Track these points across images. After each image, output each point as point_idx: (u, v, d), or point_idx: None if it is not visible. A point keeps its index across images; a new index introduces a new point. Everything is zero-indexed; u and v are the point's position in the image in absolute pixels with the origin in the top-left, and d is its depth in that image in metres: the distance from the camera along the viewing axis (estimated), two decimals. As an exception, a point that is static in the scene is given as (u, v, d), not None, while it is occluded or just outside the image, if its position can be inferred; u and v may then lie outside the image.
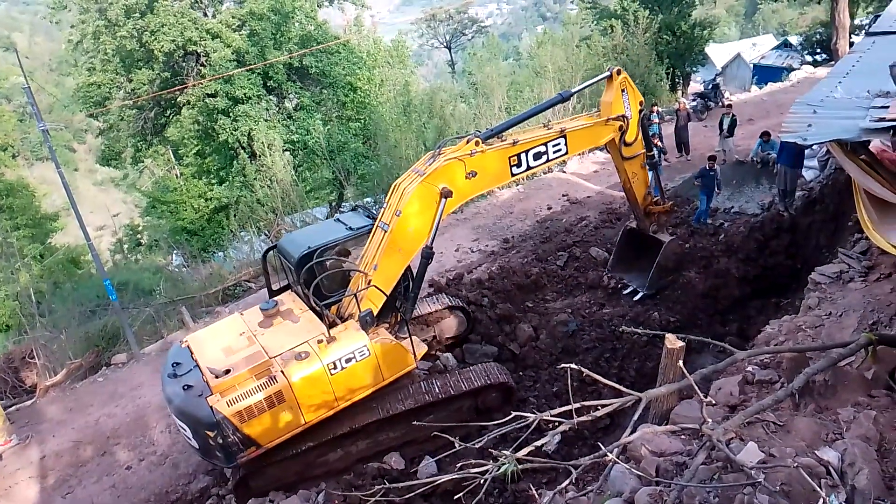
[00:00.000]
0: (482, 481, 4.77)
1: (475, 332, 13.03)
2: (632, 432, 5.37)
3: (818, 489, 4.40)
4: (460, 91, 39.74)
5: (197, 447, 9.14)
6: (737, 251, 14.69)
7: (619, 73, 11.57)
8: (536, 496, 6.26)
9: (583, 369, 5.49)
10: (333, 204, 31.48)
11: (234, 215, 27.00)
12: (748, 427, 5.71)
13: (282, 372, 8.90)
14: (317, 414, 9.31)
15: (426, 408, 10.33)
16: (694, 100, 25.96)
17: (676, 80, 34.62)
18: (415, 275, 10.22)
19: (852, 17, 31.88)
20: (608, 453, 4.97)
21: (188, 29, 26.70)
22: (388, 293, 9.71)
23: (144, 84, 27.89)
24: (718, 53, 57.88)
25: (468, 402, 10.87)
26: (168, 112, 31.66)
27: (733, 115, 18.27)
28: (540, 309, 13.98)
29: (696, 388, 5.26)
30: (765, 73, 45.67)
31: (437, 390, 10.51)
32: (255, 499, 9.68)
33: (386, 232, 9.52)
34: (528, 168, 10.81)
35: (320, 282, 9.60)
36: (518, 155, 10.50)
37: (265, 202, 24.73)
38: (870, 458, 5.01)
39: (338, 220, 10.96)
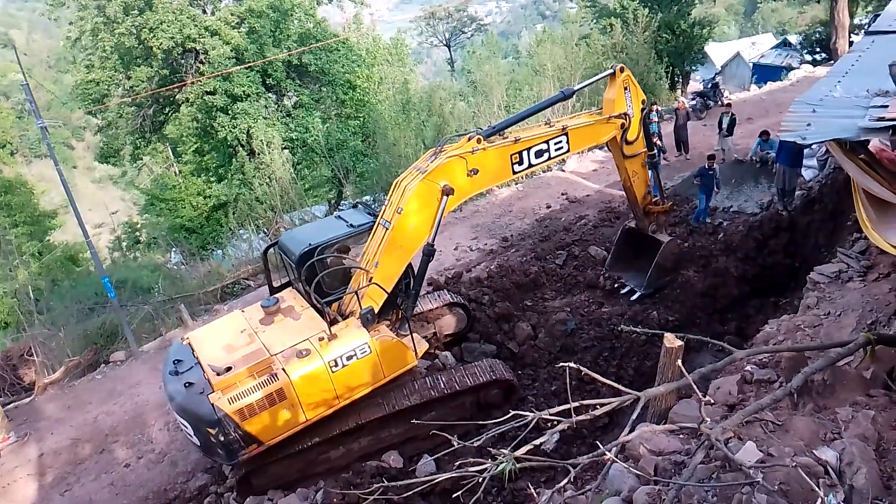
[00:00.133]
0: (481, 480, 4.77)
1: (474, 330, 13.04)
2: (630, 431, 5.37)
3: (816, 488, 4.40)
4: (459, 89, 39.69)
5: (198, 444, 9.16)
6: (736, 250, 14.69)
7: (622, 70, 11.54)
8: (535, 495, 6.25)
9: (581, 368, 5.49)
10: (332, 202, 31.46)
11: (233, 213, 27.01)
12: (747, 426, 5.71)
13: (283, 369, 8.90)
14: (318, 411, 9.31)
15: (431, 403, 10.35)
16: (693, 99, 25.96)
17: (676, 78, 34.64)
18: (416, 272, 10.22)
19: (852, 16, 31.90)
20: (607, 452, 4.97)
21: (187, 26, 26.64)
22: (389, 291, 9.72)
23: (143, 81, 27.82)
24: (718, 52, 57.88)
25: (470, 399, 10.89)
26: (167, 109, 31.62)
27: (732, 114, 18.27)
28: (539, 308, 13.99)
29: (694, 387, 5.26)
30: (764, 72, 45.66)
31: (443, 386, 10.54)
32: (253, 497, 9.68)
33: (387, 229, 9.52)
34: (530, 166, 10.79)
35: (321, 279, 9.59)
36: (520, 153, 10.49)
37: (264, 200, 24.71)
38: (868, 457, 5.02)
39: (339, 217, 10.94)
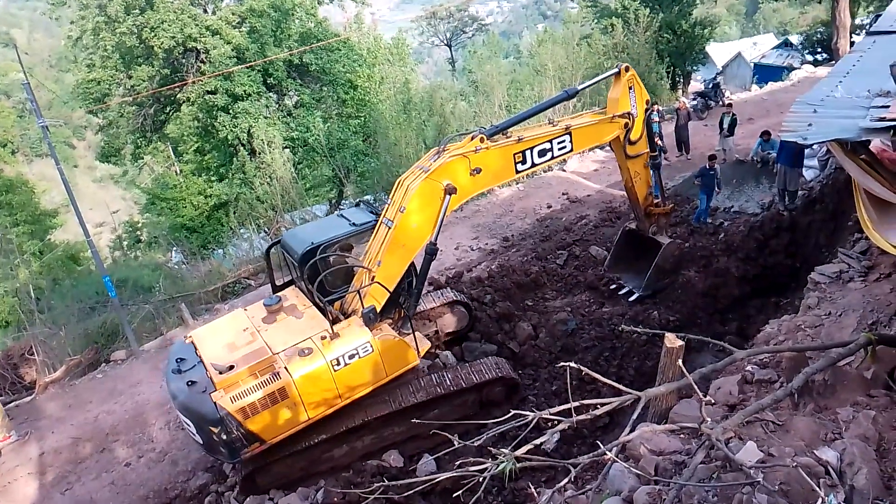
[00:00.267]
0: (481, 479, 4.77)
1: (475, 330, 13.04)
2: (631, 431, 5.36)
3: (817, 489, 4.40)
4: (460, 89, 39.74)
5: (201, 443, 9.17)
6: (736, 250, 14.68)
7: (627, 69, 11.48)
8: (535, 494, 6.26)
9: (582, 368, 5.49)
10: (333, 201, 31.47)
11: (234, 212, 27.02)
12: (747, 426, 5.71)
13: (285, 368, 8.91)
14: (320, 410, 9.32)
15: (435, 401, 10.38)
16: (694, 99, 25.94)
17: (677, 78, 34.62)
18: (418, 271, 10.21)
19: (853, 16, 31.89)
20: (607, 452, 4.97)
21: (188, 25, 26.66)
22: (391, 290, 9.72)
23: (144, 81, 27.84)
24: (719, 52, 57.86)
25: (473, 397, 10.91)
26: (168, 109, 31.63)
27: (733, 115, 18.26)
28: (539, 307, 13.98)
29: (695, 387, 5.26)
30: (765, 73, 45.67)
31: (449, 383, 10.56)
32: (254, 497, 9.69)
33: (390, 228, 9.51)
34: (533, 165, 10.75)
35: (324, 278, 9.58)
36: (523, 152, 10.45)
37: (265, 199, 24.73)
38: (869, 457, 5.02)
39: (341, 215, 10.92)
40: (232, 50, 27.44)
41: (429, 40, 75.69)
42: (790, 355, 6.88)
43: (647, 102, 11.99)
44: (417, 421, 8.94)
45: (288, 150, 28.52)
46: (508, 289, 14.17)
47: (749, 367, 7.52)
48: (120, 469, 11.30)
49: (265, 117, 28.69)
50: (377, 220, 9.97)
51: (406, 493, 5.41)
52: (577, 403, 5.13)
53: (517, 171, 10.68)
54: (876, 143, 7.55)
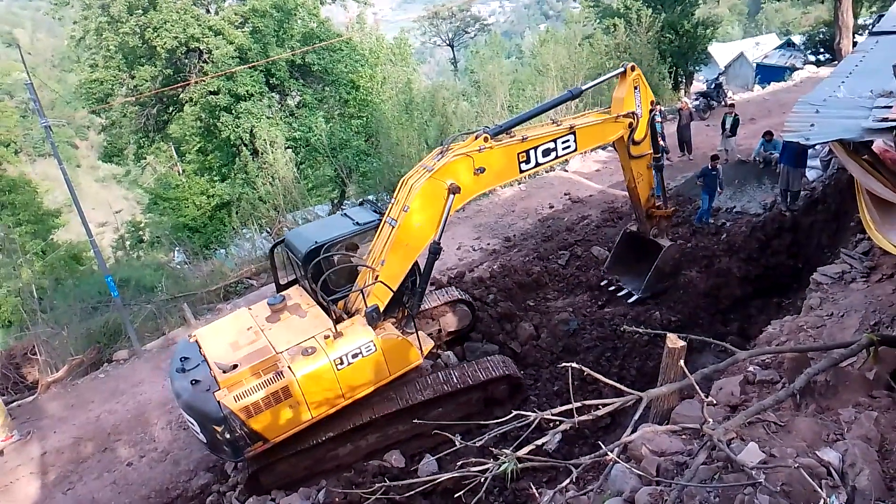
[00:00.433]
0: (482, 480, 4.78)
1: (476, 330, 13.04)
2: (632, 432, 5.37)
3: (819, 490, 4.40)
4: (462, 89, 39.70)
5: (205, 441, 9.20)
6: (738, 251, 14.68)
7: (633, 69, 11.46)
8: (537, 495, 6.26)
9: (584, 368, 5.49)
10: (335, 201, 31.49)
11: (236, 212, 27.02)
12: (749, 427, 5.70)
13: (288, 367, 8.92)
14: (323, 409, 9.34)
15: (441, 399, 10.41)
16: (696, 99, 25.95)
17: (679, 79, 34.63)
18: (422, 270, 10.22)
19: (856, 16, 31.80)
20: (609, 452, 4.97)
21: (191, 26, 26.68)
22: (394, 289, 9.71)
23: (147, 81, 27.87)
24: (721, 52, 57.82)
25: (478, 395, 10.93)
26: (170, 109, 31.66)
27: (736, 115, 18.25)
28: (541, 308, 13.98)
29: (696, 387, 5.26)
30: (768, 73, 45.63)
31: (456, 380, 10.58)
32: (255, 497, 9.70)
33: (394, 227, 9.52)
34: (537, 164, 10.73)
35: (327, 277, 9.59)
36: (527, 151, 10.44)
37: (267, 199, 24.72)
38: (871, 458, 5.01)
39: (344, 214, 10.92)
40: (234, 50, 27.46)
41: (431, 40, 75.60)
42: (792, 356, 6.87)
43: (652, 103, 11.97)
44: (419, 421, 8.95)
45: (290, 150, 28.53)
46: (510, 289, 14.17)
47: (751, 368, 7.51)
48: (122, 469, 11.31)
49: (267, 117, 28.70)
50: (380, 220, 9.98)
51: (407, 494, 5.42)
52: (578, 404, 5.14)
53: (521, 171, 10.66)
54: (878, 144, 7.54)
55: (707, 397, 5.42)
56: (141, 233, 38.12)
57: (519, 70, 43.19)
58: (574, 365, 5.28)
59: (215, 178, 32.92)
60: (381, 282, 9.53)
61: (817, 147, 14.64)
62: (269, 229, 24.01)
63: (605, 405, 5.34)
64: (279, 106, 31.00)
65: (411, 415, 9.96)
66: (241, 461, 9.50)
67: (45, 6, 38.20)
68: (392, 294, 9.74)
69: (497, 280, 14.35)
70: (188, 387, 8.99)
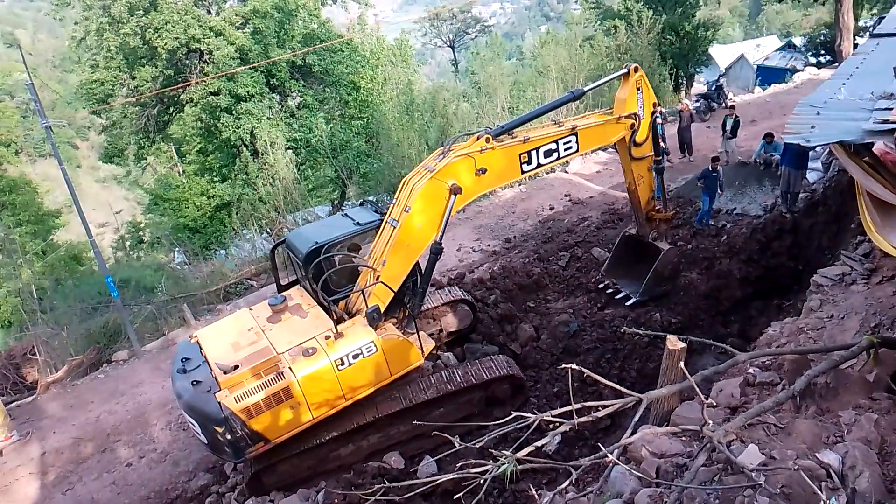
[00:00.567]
0: (482, 481, 4.77)
1: (476, 331, 13.03)
2: (632, 433, 5.36)
3: (819, 492, 4.39)
4: (463, 90, 39.76)
5: (206, 442, 9.20)
6: (739, 252, 14.67)
7: (636, 70, 11.45)
8: (536, 496, 6.25)
9: (584, 370, 5.48)
10: (335, 202, 31.51)
11: (236, 213, 27.03)
12: (749, 429, 5.69)
13: (289, 368, 8.92)
14: (324, 410, 9.34)
15: (445, 398, 10.42)
16: (697, 101, 25.96)
17: (680, 80, 34.61)
18: (423, 271, 10.22)
19: (856, 18, 31.80)
20: (608, 454, 4.96)
21: (191, 26, 26.71)
22: (395, 289, 9.71)
23: (147, 81, 27.90)
24: (722, 54, 57.87)
25: (480, 394, 10.93)
26: (171, 109, 31.69)
27: (736, 117, 18.26)
28: (541, 309, 13.97)
29: (696, 389, 5.25)
30: (768, 75, 45.66)
31: (460, 379, 10.59)
32: (255, 498, 9.70)
33: (395, 228, 9.51)
34: (539, 165, 10.73)
35: (328, 277, 9.58)
36: (529, 152, 10.43)
37: (267, 200, 24.73)
38: (871, 461, 5.00)
39: (345, 215, 10.90)
40: (235, 51, 27.49)
41: (432, 41, 75.58)
42: (792, 358, 6.86)
43: (655, 105, 11.95)
44: (419, 422, 8.95)
45: (290, 150, 28.55)
46: (510, 290, 14.16)
47: (751, 370, 7.50)
48: (121, 469, 11.31)
49: (268, 118, 28.73)
50: (381, 220, 9.98)
51: (407, 495, 5.39)
52: (578, 405, 5.13)
53: (523, 172, 10.66)
54: (879, 146, 7.52)
55: (707, 399, 5.41)
56: (141, 233, 38.15)
57: (520, 71, 43.21)
58: (574, 366, 5.27)
59: (216, 179, 32.92)
60: (382, 282, 9.52)
61: (818, 149, 14.62)
62: (269, 230, 24.01)
63: (604, 407, 5.34)
64: (280, 107, 31.03)
65: (414, 414, 9.96)
66: (242, 462, 9.50)
67: (46, 7, 38.28)
68: (393, 294, 9.73)
69: (497, 281, 14.34)
70: (189, 387, 8.99)
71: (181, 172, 38.51)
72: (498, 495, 9.44)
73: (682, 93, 34.20)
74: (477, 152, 9.83)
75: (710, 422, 5.19)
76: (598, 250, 15.56)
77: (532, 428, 4.98)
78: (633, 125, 11.59)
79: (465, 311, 12.87)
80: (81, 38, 28.66)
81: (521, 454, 4.86)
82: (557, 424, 5.11)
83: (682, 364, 5.96)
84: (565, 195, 19.50)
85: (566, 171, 21.53)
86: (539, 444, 5.05)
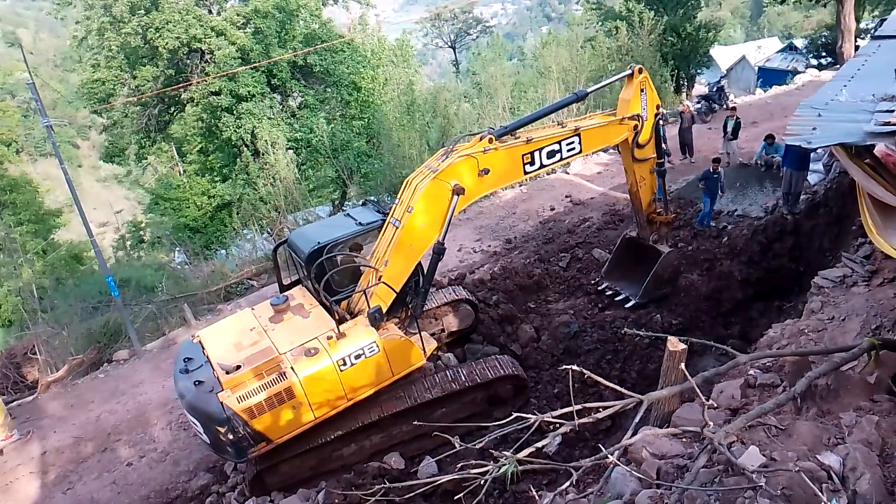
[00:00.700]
0: (482, 482, 4.77)
1: (477, 332, 13.04)
2: (633, 434, 5.36)
3: (819, 493, 4.39)
4: (464, 91, 39.75)
5: (208, 442, 9.23)
6: (740, 254, 14.65)
7: (640, 71, 11.44)
8: (537, 497, 6.24)
9: (584, 371, 5.48)
10: (336, 202, 31.52)
11: (237, 213, 27.07)
12: (750, 430, 5.69)
13: (291, 368, 8.93)
14: (326, 410, 9.34)
15: (448, 397, 10.44)
16: (698, 102, 25.88)
17: (681, 82, 34.63)
18: (425, 271, 10.22)
19: (858, 20, 31.81)
20: (609, 455, 4.96)
21: (193, 26, 26.73)
22: (397, 290, 9.72)
23: (148, 81, 27.92)
24: (723, 56, 57.79)
25: (483, 394, 10.95)
26: (172, 109, 31.72)
27: (737, 118, 18.23)
28: (542, 310, 13.97)
29: (697, 390, 5.25)
30: (769, 76, 45.60)
31: (464, 378, 10.61)
32: (255, 498, 9.70)
33: (397, 228, 9.52)
34: (542, 166, 10.73)
35: (330, 277, 9.57)
36: (531, 153, 10.44)
37: (268, 200, 24.75)
38: (871, 462, 4.99)
39: (348, 215, 10.90)
40: (236, 51, 27.50)
41: (433, 42, 75.55)
42: (793, 359, 6.86)
43: (658, 107, 11.93)
44: (420, 423, 8.95)
45: (291, 150, 28.59)
46: (511, 291, 14.16)
47: (752, 371, 7.50)
48: (121, 469, 11.31)
49: (269, 118, 28.74)
50: (384, 220, 9.98)
51: (407, 495, 5.39)
52: (579, 406, 5.13)
53: (525, 172, 10.66)
54: (880, 148, 7.52)
55: (708, 400, 5.41)
56: (142, 233, 38.19)
57: (521, 72, 43.22)
58: (575, 367, 5.27)
59: (216, 179, 32.97)
60: (385, 282, 9.53)
61: (819, 151, 14.62)
62: (269, 230, 24.03)
63: (605, 408, 5.33)
64: (281, 107, 31.05)
65: (418, 413, 9.98)
66: (244, 462, 9.51)
67: (48, 6, 38.29)
68: (395, 295, 9.74)
69: (498, 282, 14.34)
70: (192, 387, 9.02)
71: (182, 172, 38.56)
72: (498, 496, 9.45)
73: (683, 94, 34.21)
74: (480, 153, 9.83)
75: (711, 423, 5.18)
76: (598, 251, 15.55)
77: (532, 429, 4.98)
78: (636, 126, 11.58)
79: (467, 311, 12.88)
80: (83, 38, 28.68)
81: (521, 455, 4.86)
82: (558, 425, 5.11)
83: (682, 365, 5.96)
84: (566, 196, 19.48)
85: (567, 172, 21.52)
86: (539, 444, 5.05)
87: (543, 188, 20.56)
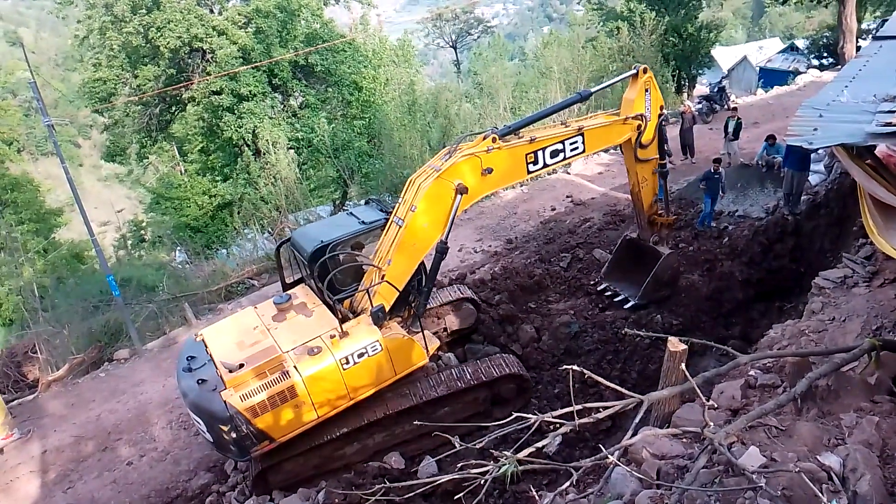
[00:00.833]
0: (482, 482, 4.77)
1: (478, 331, 13.03)
2: (633, 435, 5.35)
3: (820, 494, 4.38)
4: (465, 91, 39.75)
5: (211, 441, 9.24)
6: (741, 254, 14.65)
7: (644, 71, 11.42)
8: (537, 497, 6.23)
9: (585, 371, 5.48)
10: (337, 202, 31.53)
11: (238, 213, 27.09)
12: (750, 431, 5.69)
13: (294, 367, 8.93)
14: (329, 409, 9.35)
15: (452, 395, 10.45)
16: (699, 102, 25.87)
17: (682, 82, 34.61)
18: (428, 270, 10.21)
19: (859, 21, 31.80)
20: (609, 455, 4.95)
21: (194, 26, 26.76)
22: (400, 288, 9.72)
23: (150, 80, 27.96)
24: (724, 56, 57.82)
25: (485, 393, 10.97)
26: (173, 109, 31.76)
27: (738, 119, 18.23)
28: (542, 310, 13.96)
29: (698, 391, 5.25)
30: (771, 77, 45.62)
31: (469, 377, 10.62)
32: (255, 497, 9.71)
33: (400, 227, 9.50)
34: (545, 165, 10.69)
35: (333, 276, 9.55)
36: (535, 152, 10.41)
37: (269, 200, 24.78)
38: (872, 463, 4.99)
39: (350, 213, 10.88)
40: (238, 50, 27.53)
41: (434, 42, 75.51)
42: (794, 360, 6.85)
43: (662, 108, 11.90)
44: (420, 423, 8.95)
45: (292, 150, 28.62)
46: (511, 291, 14.15)
47: (752, 372, 7.49)
48: (122, 468, 11.31)
49: (270, 118, 28.77)
50: (387, 219, 9.97)
51: (407, 495, 5.39)
52: (579, 406, 5.12)
53: (529, 172, 10.63)
54: (881, 148, 7.52)
55: (708, 401, 5.41)
56: (143, 232, 38.22)
57: (522, 72, 43.20)
58: (575, 367, 5.26)
59: (217, 178, 32.98)
60: (388, 281, 9.53)
61: (820, 151, 14.61)
62: (270, 230, 24.04)
63: (605, 408, 5.33)
64: (282, 106, 31.07)
65: (422, 412, 10.00)
66: (247, 461, 9.52)
67: (49, 5, 38.32)
68: (398, 294, 9.75)
69: (498, 282, 14.34)
70: (195, 386, 9.01)
71: (183, 171, 38.55)
72: (498, 496, 9.45)
73: (685, 94, 34.19)
74: (483, 152, 9.82)
75: (711, 424, 5.18)
76: (599, 252, 15.54)
77: (533, 429, 4.98)
78: (639, 126, 11.57)
79: (469, 310, 12.88)
80: (84, 37, 28.72)
81: (521, 455, 4.86)
82: (558, 425, 5.11)
83: (683, 366, 5.96)
84: (567, 196, 19.48)
85: (568, 173, 21.51)
86: (540, 444, 5.04)
87: (544, 188, 20.56)
